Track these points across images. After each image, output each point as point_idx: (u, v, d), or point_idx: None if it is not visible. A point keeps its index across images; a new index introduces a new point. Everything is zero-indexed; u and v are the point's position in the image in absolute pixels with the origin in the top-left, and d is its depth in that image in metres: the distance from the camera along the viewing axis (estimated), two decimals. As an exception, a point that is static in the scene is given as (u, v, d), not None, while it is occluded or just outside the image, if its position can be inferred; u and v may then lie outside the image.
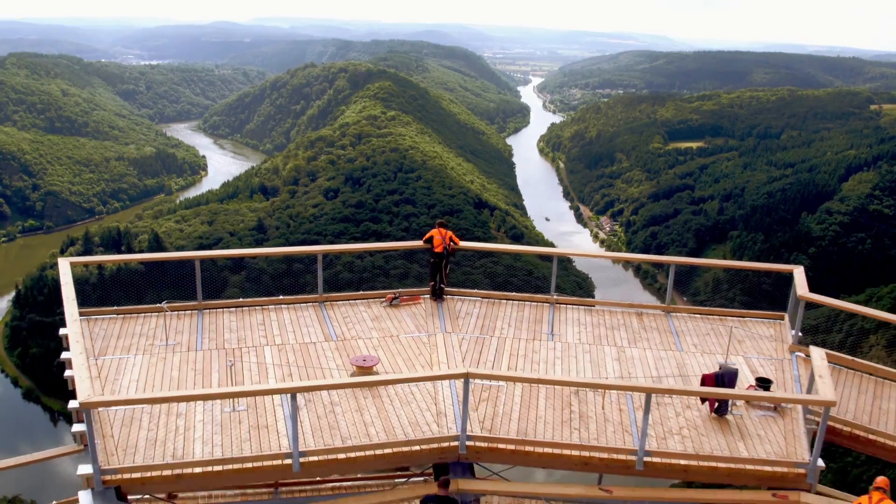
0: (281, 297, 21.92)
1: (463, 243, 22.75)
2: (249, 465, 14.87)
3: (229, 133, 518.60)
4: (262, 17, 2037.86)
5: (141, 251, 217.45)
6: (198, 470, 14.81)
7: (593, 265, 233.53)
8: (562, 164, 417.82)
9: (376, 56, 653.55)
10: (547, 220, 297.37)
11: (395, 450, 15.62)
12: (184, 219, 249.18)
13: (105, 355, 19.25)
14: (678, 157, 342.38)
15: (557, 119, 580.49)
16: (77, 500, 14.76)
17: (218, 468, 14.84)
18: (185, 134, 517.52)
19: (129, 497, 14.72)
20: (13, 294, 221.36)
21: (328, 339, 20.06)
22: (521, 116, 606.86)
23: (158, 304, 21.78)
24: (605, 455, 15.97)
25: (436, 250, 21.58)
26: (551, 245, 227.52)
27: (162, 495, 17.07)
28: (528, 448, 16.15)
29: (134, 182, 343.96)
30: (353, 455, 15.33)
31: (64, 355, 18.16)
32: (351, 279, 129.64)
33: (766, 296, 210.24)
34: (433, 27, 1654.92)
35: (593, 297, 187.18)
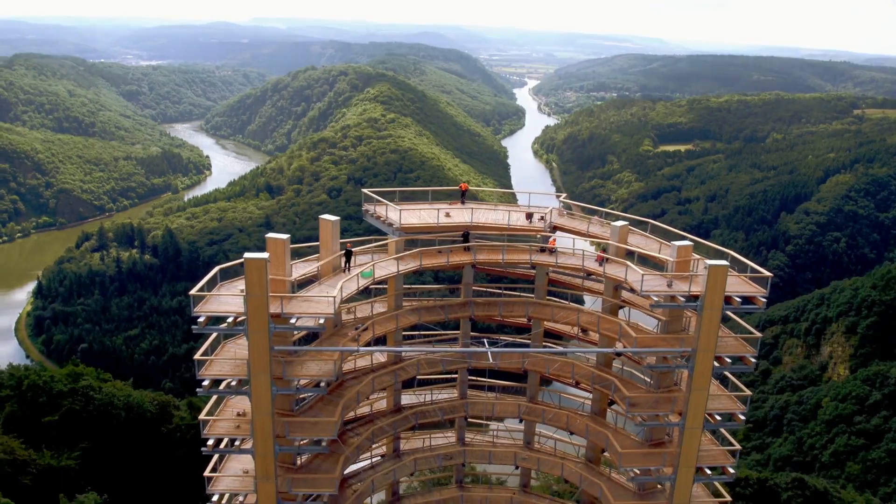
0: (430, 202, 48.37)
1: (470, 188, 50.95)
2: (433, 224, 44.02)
3: (231, 134, 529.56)
4: (259, 18, 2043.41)
5: (154, 245, 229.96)
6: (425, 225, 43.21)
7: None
8: (555, 166, 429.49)
9: (375, 59, 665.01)
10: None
11: (459, 224, 44.30)
12: (194, 216, 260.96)
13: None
14: (667, 160, 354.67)
15: (552, 121, 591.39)
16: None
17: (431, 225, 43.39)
18: (188, 134, 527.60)
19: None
20: (33, 286, 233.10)
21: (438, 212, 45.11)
22: (516, 119, 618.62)
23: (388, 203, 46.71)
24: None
25: (462, 189, 48.18)
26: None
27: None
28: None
29: (142, 181, 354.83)
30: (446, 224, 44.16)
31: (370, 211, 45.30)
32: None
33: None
34: (430, 29, 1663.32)
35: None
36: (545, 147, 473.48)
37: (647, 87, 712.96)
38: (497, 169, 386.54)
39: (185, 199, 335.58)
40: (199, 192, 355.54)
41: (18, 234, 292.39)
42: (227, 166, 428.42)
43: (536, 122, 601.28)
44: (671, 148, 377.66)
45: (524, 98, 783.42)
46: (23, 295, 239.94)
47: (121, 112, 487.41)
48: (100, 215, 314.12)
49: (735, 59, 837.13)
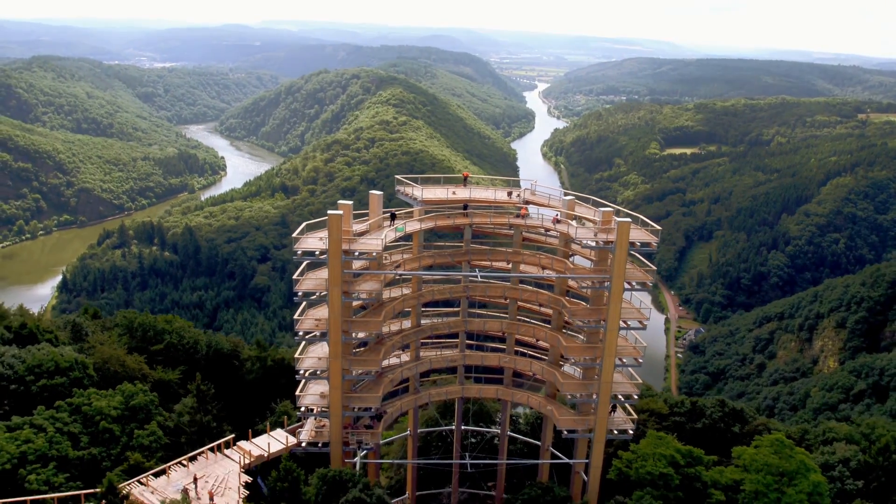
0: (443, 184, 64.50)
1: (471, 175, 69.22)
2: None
3: (245, 135, 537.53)
4: (271, 20, 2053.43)
5: (174, 243, 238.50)
6: (438, 199, 59.64)
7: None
8: (563, 168, 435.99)
9: (386, 62, 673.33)
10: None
11: (461, 198, 59.93)
12: (211, 214, 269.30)
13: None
14: (673, 162, 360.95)
15: (561, 124, 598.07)
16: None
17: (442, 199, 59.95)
18: (203, 135, 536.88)
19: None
20: (57, 281, 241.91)
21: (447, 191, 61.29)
22: (525, 122, 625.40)
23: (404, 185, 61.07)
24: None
25: (464, 176, 63.90)
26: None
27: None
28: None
29: (160, 181, 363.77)
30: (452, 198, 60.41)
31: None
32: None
33: (745, 289, 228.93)
34: (441, 31, 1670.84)
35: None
36: (554, 149, 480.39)
37: (657, 91, 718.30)
38: (506, 171, 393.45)
39: (202, 198, 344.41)
40: (215, 191, 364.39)
41: (41, 232, 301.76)
42: (241, 167, 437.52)
43: (546, 124, 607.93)
44: (677, 151, 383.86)
45: (534, 101, 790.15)
46: (46, 290, 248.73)
47: (137, 113, 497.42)
48: (119, 214, 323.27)
49: (745, 63, 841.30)
